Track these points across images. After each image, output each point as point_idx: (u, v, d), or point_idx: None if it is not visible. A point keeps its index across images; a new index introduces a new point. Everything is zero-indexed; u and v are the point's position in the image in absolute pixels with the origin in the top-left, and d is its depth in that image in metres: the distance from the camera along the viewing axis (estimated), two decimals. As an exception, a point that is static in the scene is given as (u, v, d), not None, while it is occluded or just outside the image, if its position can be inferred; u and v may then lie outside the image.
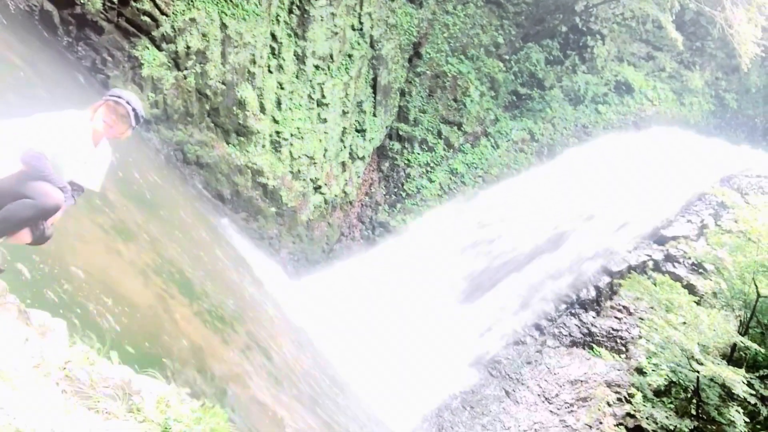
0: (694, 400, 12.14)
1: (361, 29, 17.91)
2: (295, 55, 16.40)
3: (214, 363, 8.65)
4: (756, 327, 11.91)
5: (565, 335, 16.02)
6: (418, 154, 20.05)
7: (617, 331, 15.78)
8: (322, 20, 16.58)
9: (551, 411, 14.67)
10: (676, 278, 14.11)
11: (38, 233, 3.71)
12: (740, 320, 12.04)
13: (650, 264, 16.15)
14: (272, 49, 15.87)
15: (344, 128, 17.95)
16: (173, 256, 10.46)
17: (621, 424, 13.64)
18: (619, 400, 14.19)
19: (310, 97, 16.84)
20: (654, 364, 13.56)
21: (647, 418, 12.38)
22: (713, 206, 17.08)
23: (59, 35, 13.22)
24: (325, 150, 17.40)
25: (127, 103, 3.96)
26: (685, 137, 20.90)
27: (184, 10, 14.10)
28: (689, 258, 15.68)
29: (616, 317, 16.01)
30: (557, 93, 21.86)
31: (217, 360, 8.85)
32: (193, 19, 14.20)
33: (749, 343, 10.99)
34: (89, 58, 13.46)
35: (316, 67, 16.86)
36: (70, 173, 3.83)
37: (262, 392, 9.27)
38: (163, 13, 13.89)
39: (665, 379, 12.98)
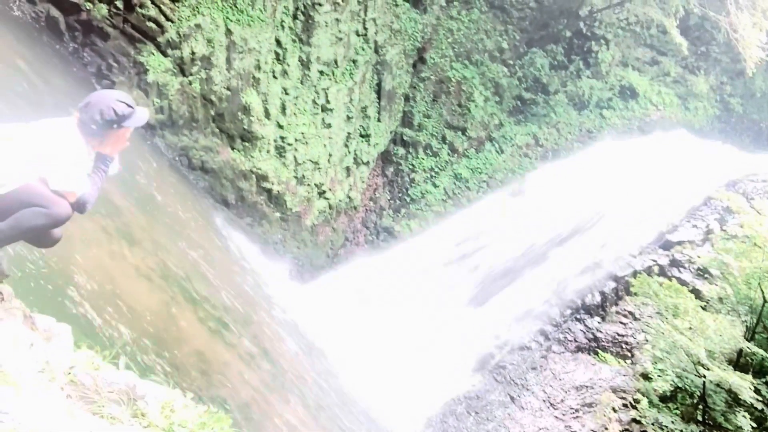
0: (701, 406, 12.07)
1: (366, 35, 17.95)
2: (299, 60, 16.44)
3: (218, 368, 8.65)
4: (762, 332, 11.85)
5: (570, 340, 15.96)
6: (423, 159, 20.05)
7: (623, 336, 15.71)
8: (326, 26, 16.63)
9: (556, 417, 14.61)
10: (682, 283, 14.03)
11: (49, 236, 3.72)
12: (746, 326, 11.98)
13: (656, 269, 16.09)
14: (277, 54, 15.92)
15: (349, 133, 17.97)
16: (177, 261, 10.48)
17: (627, 429, 13.58)
18: (625, 405, 14.12)
19: (314, 102, 16.87)
20: (660, 370, 13.49)
21: (653, 424, 12.32)
22: (719, 211, 17.01)
23: (65, 41, 13.30)
24: (330, 155, 17.42)
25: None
26: (690, 141, 20.86)
27: (189, 16, 14.16)
28: (694, 263, 15.62)
29: (621, 322, 15.94)
30: (562, 98, 21.85)
31: (222, 365, 8.85)
32: (198, 25, 14.26)
33: (756, 349, 10.93)
34: (95, 64, 13.53)
35: (321, 72, 16.90)
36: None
37: (266, 397, 9.26)
38: (168, 19, 13.96)
39: (671, 384, 12.91)
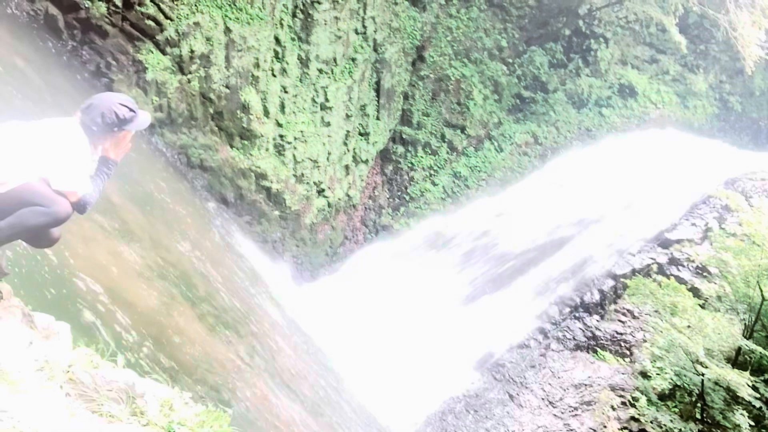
0: (699, 404, 12.10)
1: (365, 33, 17.93)
2: (298, 58, 16.42)
3: (217, 367, 8.65)
4: (761, 330, 11.88)
5: (569, 339, 15.98)
6: (422, 157, 20.05)
7: (621, 334, 15.73)
8: (325, 24, 16.61)
9: (555, 415, 14.63)
10: (681, 281, 14.07)
11: (48, 236, 3.72)
12: (745, 324, 12.01)
13: (654, 267, 16.11)
14: (276, 52, 15.90)
15: (348, 132, 17.97)
16: (176, 258, 10.48)
17: (625, 428, 13.60)
18: (624, 403, 14.15)
19: (313, 100, 16.85)
20: (658, 368, 13.53)
21: (651, 422, 12.35)
22: (717, 209, 17.03)
23: (64, 39, 13.27)
24: (329, 153, 17.41)
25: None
26: (689, 139, 20.87)
27: (188, 14, 14.13)
28: (693, 261, 15.64)
29: (620, 321, 15.97)
30: (561, 96, 21.85)
31: (220, 364, 8.85)
32: (197, 23, 14.23)
33: (754, 347, 10.96)
34: (93, 62, 13.50)
35: (320, 70, 16.88)
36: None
37: (265, 396, 9.27)
38: (167, 17, 13.93)
39: (670, 382, 12.95)
